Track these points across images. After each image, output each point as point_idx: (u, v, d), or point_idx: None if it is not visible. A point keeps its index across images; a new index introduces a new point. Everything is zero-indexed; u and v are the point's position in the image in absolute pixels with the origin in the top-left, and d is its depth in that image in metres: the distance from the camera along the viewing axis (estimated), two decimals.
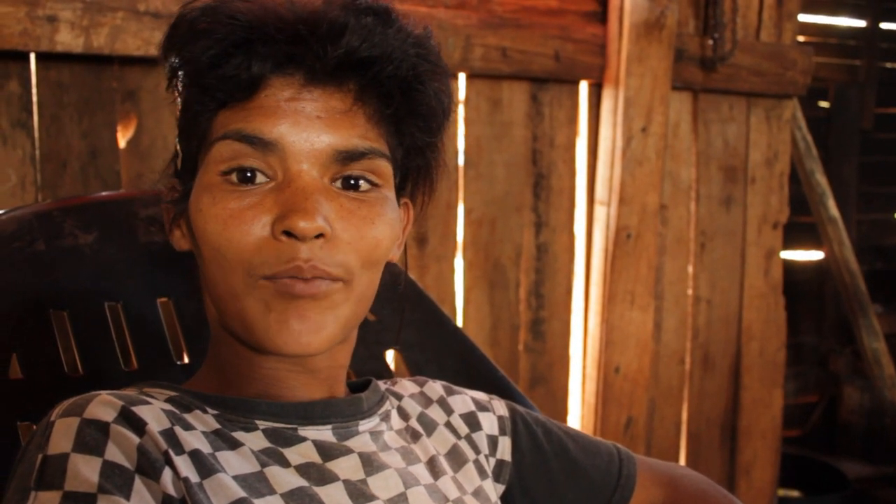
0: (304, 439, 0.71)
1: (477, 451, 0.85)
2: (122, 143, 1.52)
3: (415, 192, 0.81)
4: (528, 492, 0.88)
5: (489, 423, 0.88)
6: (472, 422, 0.87)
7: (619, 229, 1.96)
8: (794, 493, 2.99)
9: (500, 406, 0.91)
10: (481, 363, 1.14)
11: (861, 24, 3.67)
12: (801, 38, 2.96)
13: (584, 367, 2.04)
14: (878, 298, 3.20)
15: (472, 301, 1.88)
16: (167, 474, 0.62)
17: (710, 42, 2.06)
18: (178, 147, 0.76)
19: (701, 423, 2.23)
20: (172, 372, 0.98)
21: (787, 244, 2.55)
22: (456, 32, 1.76)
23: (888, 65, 3.76)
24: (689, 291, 2.17)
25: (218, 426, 0.69)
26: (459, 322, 1.87)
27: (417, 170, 0.79)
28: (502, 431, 0.88)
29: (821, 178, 2.77)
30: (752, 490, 2.31)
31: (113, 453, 0.61)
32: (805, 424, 3.58)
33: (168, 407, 0.68)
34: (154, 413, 0.66)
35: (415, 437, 0.81)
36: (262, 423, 0.71)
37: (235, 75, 0.68)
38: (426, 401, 0.87)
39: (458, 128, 1.84)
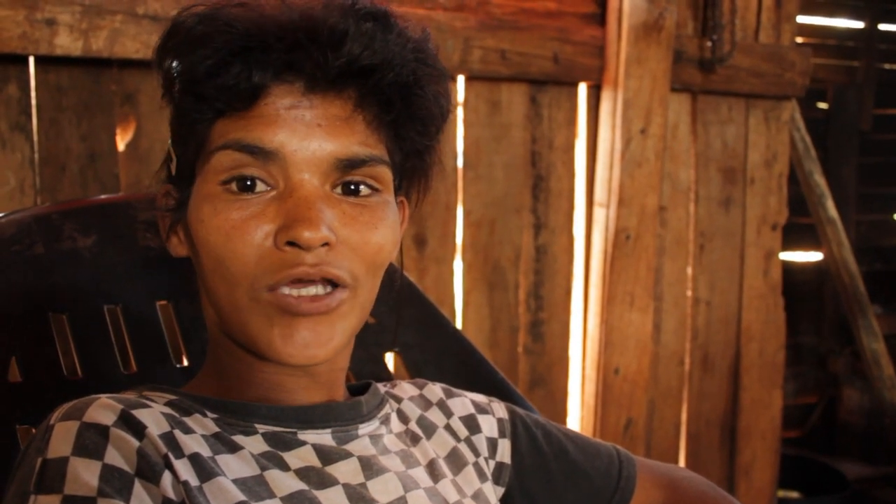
0: (303, 443, 0.71)
1: (476, 453, 0.85)
2: (121, 147, 1.51)
3: (410, 191, 0.81)
4: (527, 494, 0.88)
5: (489, 425, 0.88)
6: (471, 424, 0.87)
7: (619, 231, 1.96)
8: (794, 494, 2.98)
9: (500, 408, 0.91)
10: (481, 365, 1.14)
11: (859, 25, 3.67)
12: (799, 40, 2.97)
13: (583, 369, 2.04)
14: (877, 299, 3.20)
15: (472, 303, 1.88)
16: (167, 478, 0.62)
17: (709, 44, 2.06)
18: (173, 152, 0.75)
19: (700, 423, 2.22)
20: (172, 375, 0.98)
21: (787, 245, 2.55)
22: (454, 35, 1.76)
23: (887, 66, 3.75)
24: (689, 292, 2.17)
25: (217, 430, 0.69)
26: (459, 324, 1.86)
27: (414, 170, 0.78)
28: (502, 434, 0.88)
29: (820, 179, 2.77)
30: (751, 491, 2.31)
31: (113, 457, 0.61)
32: (804, 425, 3.57)
33: (168, 410, 0.68)
34: (154, 416, 0.66)
35: (414, 440, 0.81)
36: (261, 427, 0.71)
37: (235, 85, 0.67)
38: (426, 403, 0.87)
39: (457, 130, 1.83)
